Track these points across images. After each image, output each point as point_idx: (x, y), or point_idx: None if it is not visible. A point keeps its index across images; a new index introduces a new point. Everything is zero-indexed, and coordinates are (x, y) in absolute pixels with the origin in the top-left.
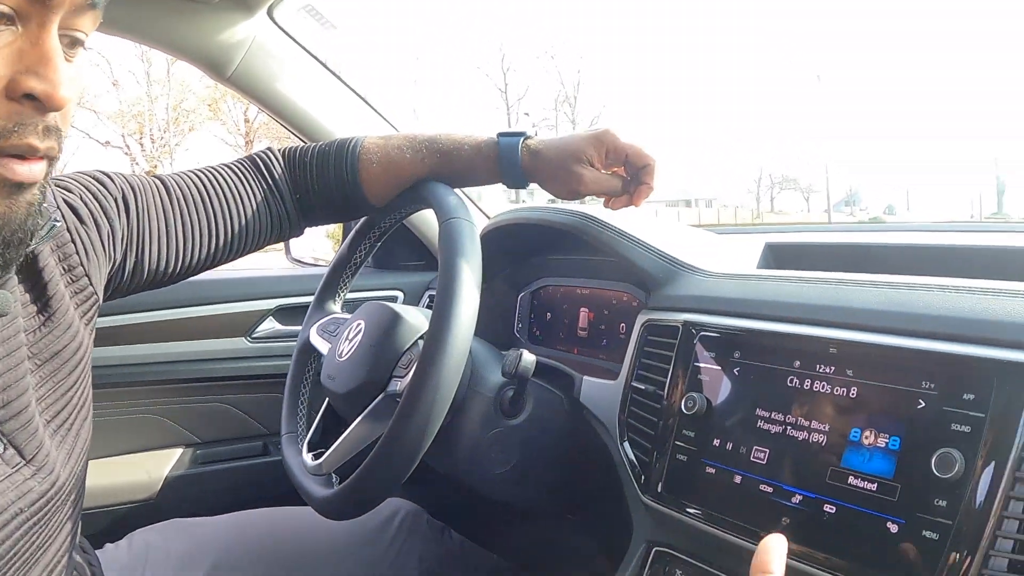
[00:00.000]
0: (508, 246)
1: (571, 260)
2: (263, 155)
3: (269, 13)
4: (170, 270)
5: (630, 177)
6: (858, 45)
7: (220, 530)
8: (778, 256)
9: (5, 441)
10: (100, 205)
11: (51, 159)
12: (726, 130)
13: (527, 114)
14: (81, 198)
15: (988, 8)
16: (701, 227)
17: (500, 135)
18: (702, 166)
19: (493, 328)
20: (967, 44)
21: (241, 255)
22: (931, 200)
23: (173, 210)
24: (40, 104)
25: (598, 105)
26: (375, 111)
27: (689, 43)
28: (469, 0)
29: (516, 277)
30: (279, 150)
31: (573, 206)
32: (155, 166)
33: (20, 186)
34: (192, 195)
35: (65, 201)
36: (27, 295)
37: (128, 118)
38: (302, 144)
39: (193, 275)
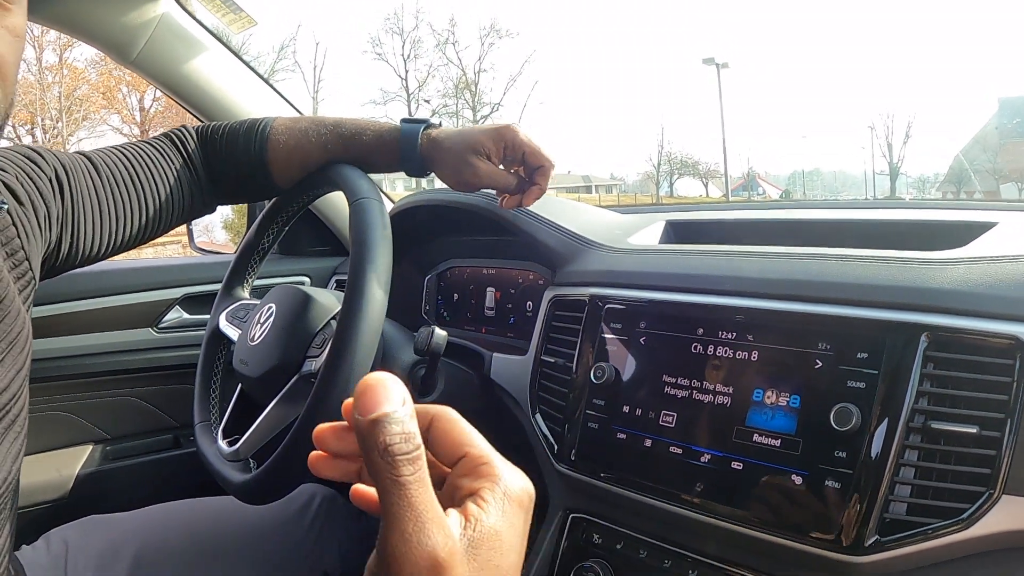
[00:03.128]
0: (414, 229)
1: (476, 241)
2: (178, 132)
3: None
4: (103, 248)
5: (526, 176)
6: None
7: (138, 524)
8: (679, 233)
9: None
10: (36, 186)
11: None
12: (628, 115)
13: (427, 101)
14: (17, 178)
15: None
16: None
17: (403, 121)
18: (603, 151)
19: (400, 311)
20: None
21: (166, 231)
22: (827, 183)
23: (104, 188)
24: None
25: (499, 90)
26: (280, 96)
27: (592, 28)
28: None
29: (422, 259)
30: (194, 128)
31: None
32: None
33: None
34: (120, 172)
35: (2, 181)
36: None
37: (18, 107)
38: (216, 122)
39: (123, 251)
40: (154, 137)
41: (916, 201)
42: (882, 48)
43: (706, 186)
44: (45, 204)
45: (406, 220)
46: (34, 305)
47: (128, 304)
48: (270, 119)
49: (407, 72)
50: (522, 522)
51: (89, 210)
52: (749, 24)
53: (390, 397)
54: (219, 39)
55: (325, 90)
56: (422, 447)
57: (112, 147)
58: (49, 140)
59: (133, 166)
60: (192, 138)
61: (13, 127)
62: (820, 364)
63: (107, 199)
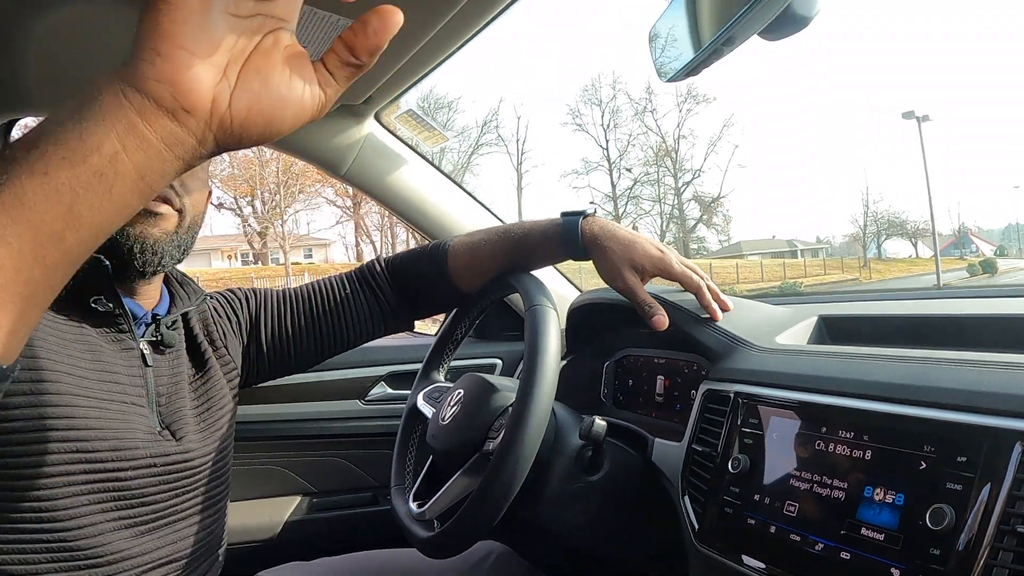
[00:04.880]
0: (595, 320)
1: (650, 333)
2: (368, 264)
3: (377, 117)
4: (286, 355)
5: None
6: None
7: (336, 571)
8: (830, 329)
9: (164, 425)
10: (230, 304)
11: (179, 212)
12: (831, 175)
13: (628, 170)
14: (218, 301)
15: None
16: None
17: (563, 215)
18: (807, 213)
19: (582, 393)
20: None
21: (351, 346)
22: None
23: (285, 306)
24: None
25: (699, 156)
26: (475, 199)
27: (789, 90)
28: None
29: (602, 348)
30: (384, 259)
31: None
32: (266, 227)
33: (155, 215)
34: (303, 296)
35: (209, 304)
36: (185, 349)
37: (240, 181)
38: (403, 251)
39: (313, 364)
40: (347, 272)
41: None
42: None
43: (915, 246)
44: (236, 315)
45: (588, 313)
46: None
47: (341, 379)
48: (449, 240)
49: (607, 141)
50: None
51: (270, 320)
52: (947, 74)
53: None
54: (418, 152)
55: (528, 162)
56: None
57: (309, 283)
58: (267, 211)
59: (314, 293)
60: (379, 266)
61: (235, 199)
62: (924, 465)
63: (286, 314)
